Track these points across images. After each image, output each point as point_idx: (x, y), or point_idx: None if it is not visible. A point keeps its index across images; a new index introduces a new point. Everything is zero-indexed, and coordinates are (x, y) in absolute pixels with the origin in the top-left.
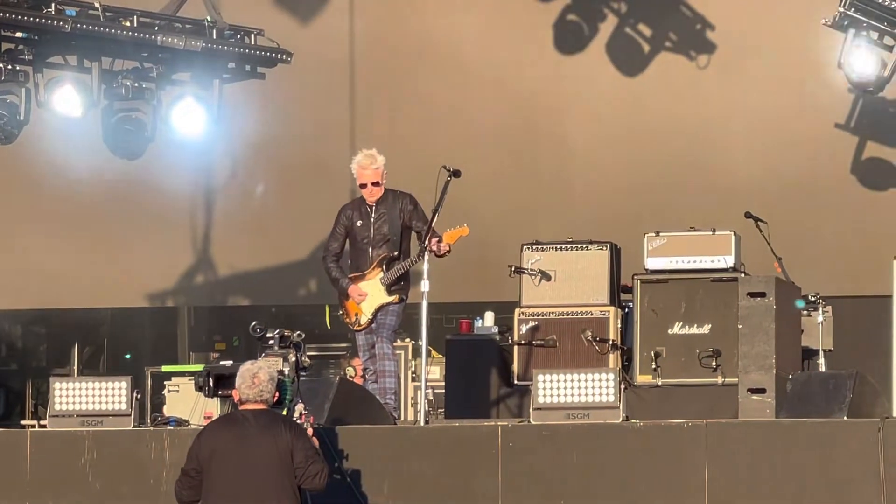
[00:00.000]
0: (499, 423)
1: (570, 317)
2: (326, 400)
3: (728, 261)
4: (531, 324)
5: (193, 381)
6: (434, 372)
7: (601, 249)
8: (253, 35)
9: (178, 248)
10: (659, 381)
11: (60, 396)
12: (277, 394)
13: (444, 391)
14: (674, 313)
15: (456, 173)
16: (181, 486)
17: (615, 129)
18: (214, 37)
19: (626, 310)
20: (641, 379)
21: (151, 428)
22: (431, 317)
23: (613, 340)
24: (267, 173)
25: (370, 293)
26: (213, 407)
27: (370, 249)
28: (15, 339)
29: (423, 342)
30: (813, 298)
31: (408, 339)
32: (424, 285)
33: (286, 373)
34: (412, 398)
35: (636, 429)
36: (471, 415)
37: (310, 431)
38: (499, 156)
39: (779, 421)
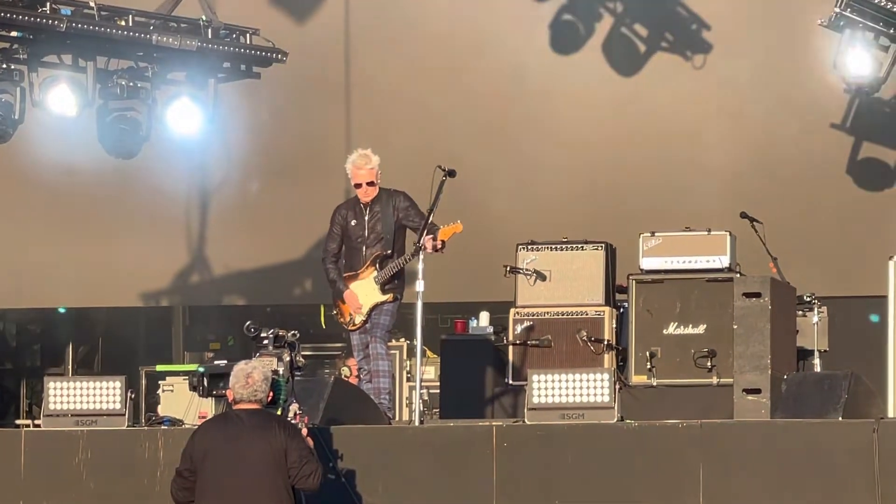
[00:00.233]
0: (493, 424)
1: (565, 317)
2: (321, 400)
3: (723, 261)
4: (526, 324)
5: (188, 381)
6: (429, 372)
7: (596, 249)
8: (248, 34)
9: (172, 248)
10: (654, 382)
11: (55, 396)
12: (271, 393)
13: (438, 391)
14: (669, 313)
15: (451, 173)
16: (176, 487)
17: (611, 129)
18: (210, 36)
19: (622, 310)
20: (636, 379)
21: (146, 427)
22: (426, 317)
23: (608, 340)
24: (262, 173)
25: (364, 295)
26: (208, 407)
27: (364, 248)
28: (9, 339)
29: (418, 342)
30: (808, 299)
31: (402, 339)
32: (419, 285)
33: (281, 372)
34: (407, 398)
35: (631, 429)
36: (465, 415)
37: (304, 431)
38: (494, 155)
39: (774, 421)
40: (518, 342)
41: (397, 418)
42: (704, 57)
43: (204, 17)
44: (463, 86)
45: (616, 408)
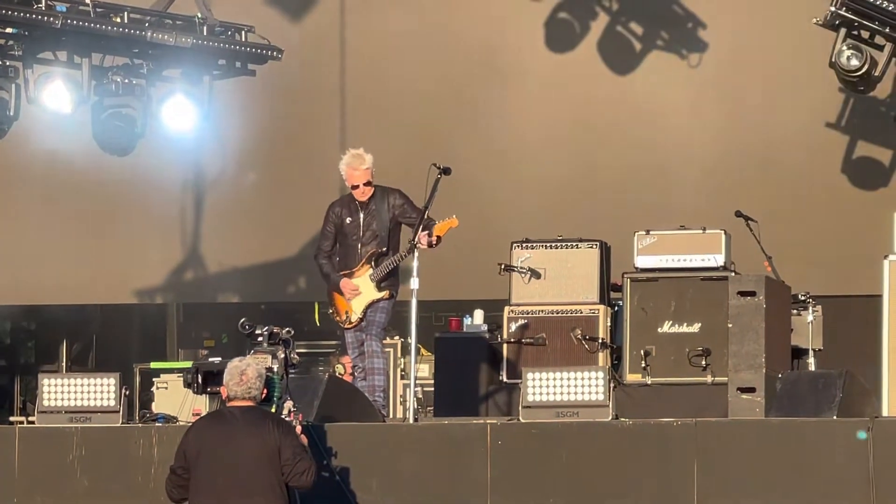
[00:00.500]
0: (488, 421)
1: (559, 315)
2: (315, 397)
3: (718, 259)
4: (521, 322)
5: (182, 378)
6: (423, 370)
7: (591, 248)
8: (243, 32)
9: (167, 245)
10: (648, 380)
11: (49, 393)
12: (265, 391)
13: (433, 389)
14: (663, 312)
15: (446, 171)
16: (171, 485)
17: (606, 127)
18: (205, 33)
19: (616, 308)
20: (631, 377)
21: (140, 424)
22: (421, 314)
23: (603, 339)
24: (257, 170)
25: (360, 289)
26: (202, 404)
27: (359, 246)
28: (3, 335)
29: (413, 340)
30: (803, 297)
31: (397, 337)
32: (414, 283)
33: (275, 370)
34: (401, 396)
35: (625, 427)
36: (460, 413)
37: (298, 429)
38: (490, 153)
39: (768, 420)
40: (512, 340)
41: (391, 416)
42: (700, 55)
43: (199, 15)
44: (458, 84)
45: (610, 406)
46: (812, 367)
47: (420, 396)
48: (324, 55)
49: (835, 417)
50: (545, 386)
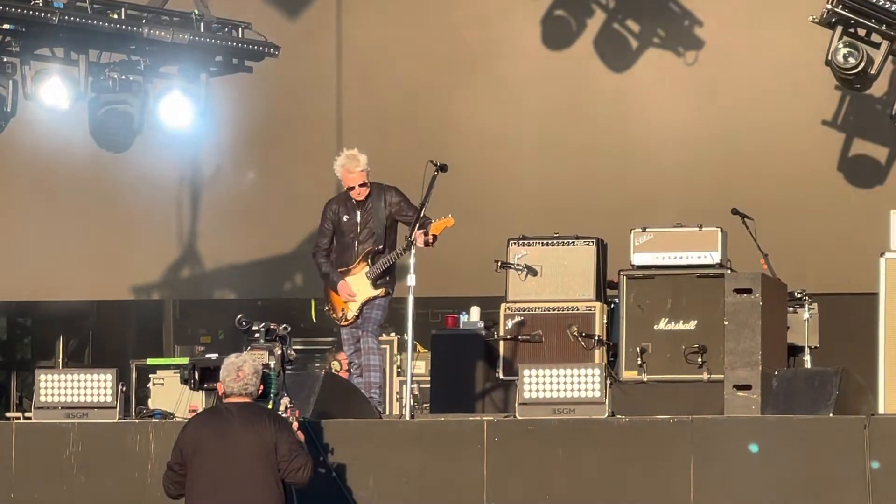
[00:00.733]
0: (484, 418)
1: (556, 312)
2: (312, 394)
3: (714, 257)
4: (517, 319)
5: (179, 374)
6: (419, 366)
7: (587, 245)
8: (240, 28)
9: (163, 241)
10: (645, 377)
11: (45, 388)
12: (262, 387)
13: (429, 386)
14: (660, 309)
15: (443, 167)
16: (167, 481)
17: (602, 124)
18: (202, 30)
19: (612, 305)
20: (627, 375)
21: (136, 421)
22: (417, 311)
23: (599, 336)
24: (253, 167)
25: (356, 290)
26: (198, 400)
27: (356, 244)
28: (0, 331)
29: (409, 336)
30: (799, 295)
31: (393, 334)
32: (410, 280)
33: (272, 366)
34: (397, 392)
35: (622, 424)
36: (456, 409)
37: (295, 425)
38: (485, 149)
39: (764, 417)
40: (509, 337)
41: (388, 413)
42: (696, 53)
43: (196, 11)
44: (454, 81)
45: (607, 403)
46: (808, 365)
47: (416, 393)
48: (321, 52)
49: (831, 415)
50: (541, 383)
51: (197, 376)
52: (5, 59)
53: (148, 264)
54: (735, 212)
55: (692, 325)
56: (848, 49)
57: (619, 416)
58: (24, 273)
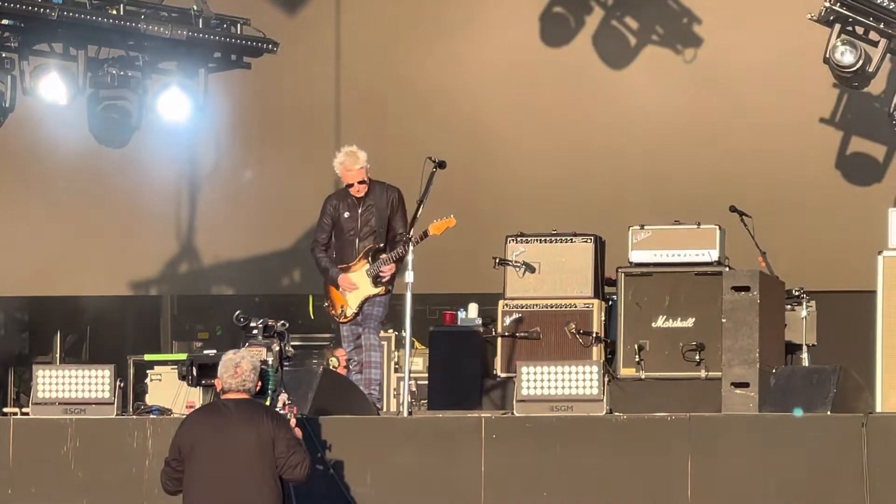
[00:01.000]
0: (482, 415)
1: (553, 309)
2: (310, 390)
3: (712, 254)
4: (515, 316)
5: (176, 370)
6: (417, 363)
7: (586, 242)
8: (239, 24)
9: (162, 237)
10: (642, 375)
11: (43, 384)
12: (260, 383)
13: (427, 382)
14: (658, 306)
15: (441, 164)
16: (165, 477)
17: (601, 122)
18: (200, 26)
19: (610, 303)
20: (625, 372)
21: (134, 416)
22: (415, 308)
23: (597, 333)
24: (252, 163)
25: (357, 284)
26: (196, 396)
27: (356, 241)
28: None
29: (407, 333)
30: (797, 293)
31: (391, 331)
32: (409, 276)
33: (270, 362)
34: (395, 389)
35: (619, 421)
36: (454, 406)
37: (293, 421)
38: (484, 146)
39: (762, 415)
40: (507, 334)
41: (385, 409)
42: (695, 51)
43: (195, 7)
44: (454, 78)
45: (605, 400)
46: (806, 363)
47: (414, 390)
48: (319, 48)
49: (828, 413)
50: (539, 380)
51: (195, 372)
52: (4, 55)
53: (146, 260)
54: (733, 209)
55: (690, 322)
56: (846, 47)
57: (616, 414)
58: (22, 268)
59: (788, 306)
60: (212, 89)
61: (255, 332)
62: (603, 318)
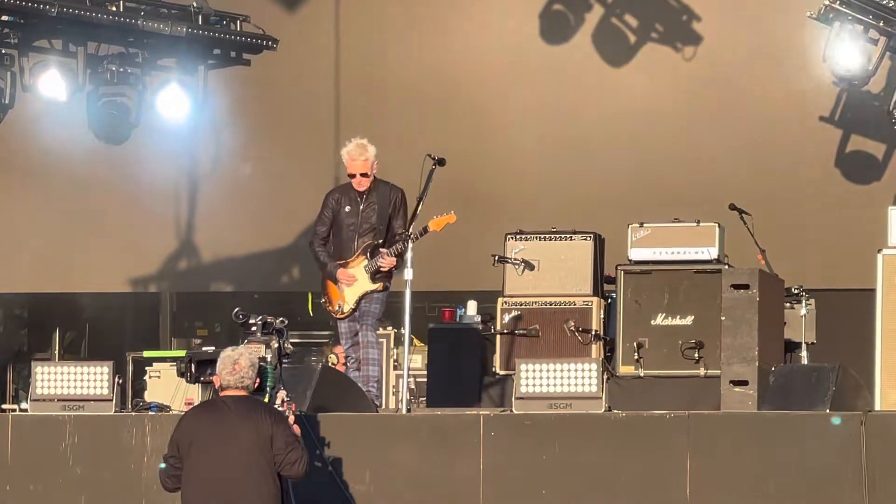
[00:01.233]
0: (481, 412)
1: (553, 307)
2: (308, 387)
3: (712, 252)
4: (514, 313)
5: (175, 367)
6: (416, 360)
7: (585, 240)
8: (238, 21)
9: (161, 234)
10: (641, 372)
11: (42, 381)
12: (258, 380)
13: (426, 380)
14: (657, 304)
15: (441, 161)
16: (163, 474)
17: (600, 119)
18: (200, 23)
19: (610, 300)
20: (624, 370)
21: (133, 413)
22: (414, 305)
23: (596, 331)
24: (251, 160)
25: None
26: (195, 393)
27: (355, 237)
28: None
29: (406, 330)
30: (796, 291)
31: (390, 328)
32: (408, 273)
33: (268, 359)
34: (394, 386)
35: (618, 419)
36: (453, 403)
37: (291, 419)
38: (484, 144)
39: (761, 413)
40: (506, 331)
41: (384, 406)
42: (694, 48)
43: (194, 4)
44: (453, 75)
45: (603, 398)
46: (805, 361)
47: (413, 387)
48: (319, 45)
49: (827, 411)
50: (538, 377)
51: (193, 369)
52: (3, 51)
53: (145, 257)
54: (733, 207)
55: (689, 320)
56: (845, 45)
57: (615, 411)
58: (21, 265)
59: (788, 304)
60: (211, 86)
61: (253, 329)
62: (602, 316)
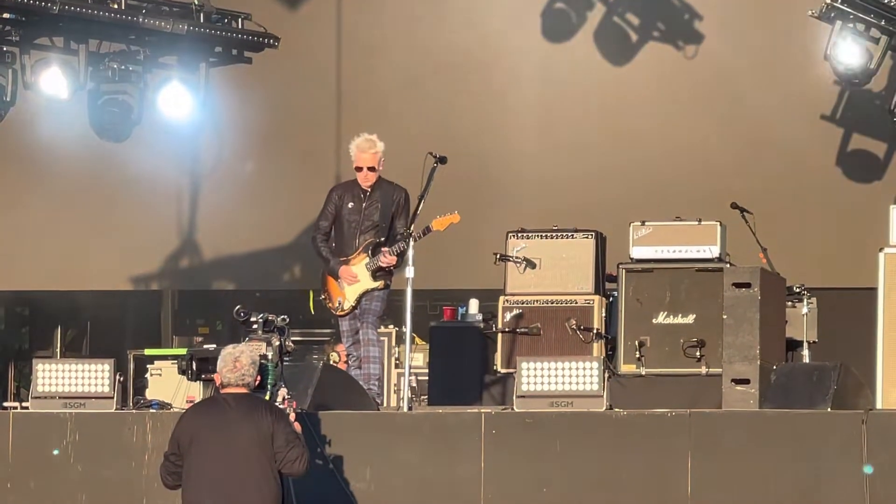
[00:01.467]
0: (482, 411)
1: (554, 305)
2: (310, 385)
3: (713, 251)
4: (515, 311)
5: (176, 365)
6: (417, 359)
7: (586, 238)
8: (240, 19)
9: (162, 232)
10: (643, 371)
11: (43, 378)
12: (259, 378)
13: (427, 378)
14: (658, 303)
15: (442, 160)
16: (164, 472)
17: (602, 118)
18: (201, 20)
19: (611, 299)
20: (625, 368)
21: (134, 411)
22: (416, 303)
23: (598, 329)
24: (253, 158)
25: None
26: (196, 390)
27: (357, 234)
28: None
29: (407, 329)
30: (798, 289)
31: (392, 326)
32: (409, 272)
33: (269, 357)
34: (395, 385)
35: (619, 418)
36: (454, 402)
37: (292, 416)
38: (485, 142)
39: (762, 412)
40: (507, 330)
41: (385, 405)
42: (696, 47)
43: (196, 2)
44: (455, 73)
45: (605, 396)
46: (806, 360)
47: (414, 385)
48: (320, 43)
49: (829, 410)
50: (539, 376)
51: (194, 367)
52: (5, 49)
53: (146, 254)
54: (734, 206)
55: (691, 318)
56: (847, 43)
57: (616, 410)
58: (22, 263)
59: (789, 303)
60: (212, 84)
61: (255, 326)
62: (603, 314)
